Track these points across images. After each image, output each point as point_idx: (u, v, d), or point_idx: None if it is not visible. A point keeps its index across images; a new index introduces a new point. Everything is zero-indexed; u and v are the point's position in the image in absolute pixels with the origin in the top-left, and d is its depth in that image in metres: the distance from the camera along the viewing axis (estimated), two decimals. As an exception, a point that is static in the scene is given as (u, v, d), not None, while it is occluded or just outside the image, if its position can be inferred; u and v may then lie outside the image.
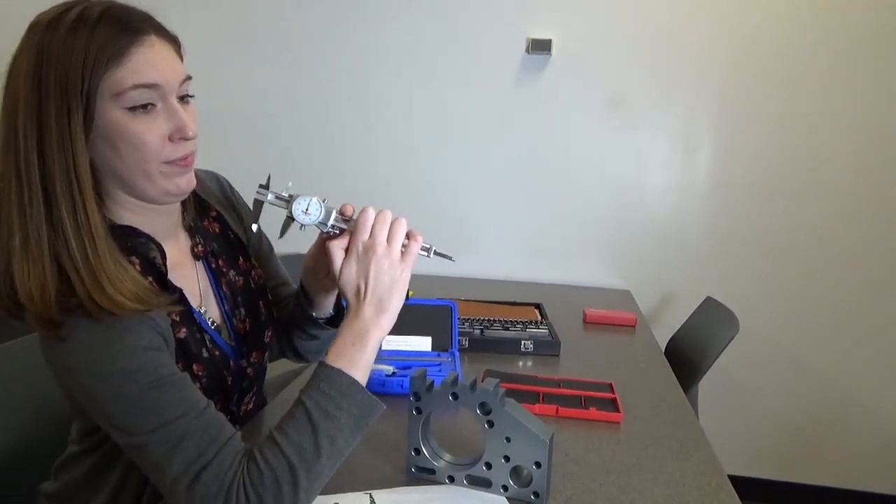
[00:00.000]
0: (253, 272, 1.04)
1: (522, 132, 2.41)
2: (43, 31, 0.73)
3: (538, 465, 0.81)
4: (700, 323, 1.99)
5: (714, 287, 2.26)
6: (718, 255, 2.36)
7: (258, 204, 0.85)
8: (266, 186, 0.85)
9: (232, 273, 0.99)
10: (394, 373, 1.22)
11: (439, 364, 1.31)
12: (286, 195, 0.85)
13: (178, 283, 0.85)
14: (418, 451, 0.83)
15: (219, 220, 1.01)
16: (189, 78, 0.81)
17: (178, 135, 0.78)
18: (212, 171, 1.06)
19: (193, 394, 0.75)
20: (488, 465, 0.82)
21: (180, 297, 0.84)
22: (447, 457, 0.85)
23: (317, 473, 0.73)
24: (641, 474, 0.92)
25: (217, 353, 0.90)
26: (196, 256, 0.94)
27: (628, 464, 0.95)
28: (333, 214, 0.85)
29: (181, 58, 0.82)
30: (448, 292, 2.03)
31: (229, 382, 0.91)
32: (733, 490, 0.88)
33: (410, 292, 1.47)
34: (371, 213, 0.85)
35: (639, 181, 2.38)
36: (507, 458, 0.81)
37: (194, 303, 0.90)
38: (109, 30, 0.73)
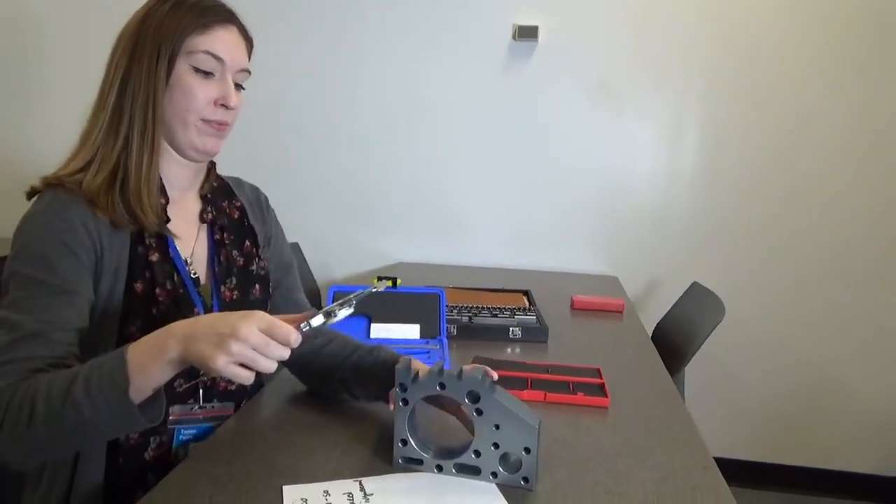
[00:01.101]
0: (258, 261, 1.10)
1: (509, 119, 2.40)
2: (156, 2, 0.94)
3: (528, 450, 0.81)
4: (686, 308, 2.01)
5: (700, 273, 2.27)
6: (705, 242, 2.37)
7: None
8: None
9: (235, 252, 1.07)
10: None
11: (427, 352, 1.31)
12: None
13: (173, 230, 0.98)
14: (405, 443, 0.82)
15: (241, 210, 1.11)
16: (249, 72, 0.99)
17: (222, 101, 0.96)
18: (257, 186, 1.19)
19: (45, 314, 0.83)
20: (477, 453, 0.82)
21: (165, 223, 0.97)
22: (435, 447, 0.85)
23: (28, 437, 0.76)
24: (629, 458, 0.92)
25: (181, 291, 0.96)
26: (202, 220, 1.05)
27: (616, 448, 0.96)
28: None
29: (249, 56, 1.01)
30: (436, 280, 2.02)
31: None
32: (719, 472, 0.89)
33: (398, 280, 1.46)
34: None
35: (626, 168, 2.38)
36: (496, 446, 0.81)
37: (184, 252, 1.00)
38: (204, 11, 0.94)
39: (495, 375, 0.87)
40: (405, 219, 2.49)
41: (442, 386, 0.81)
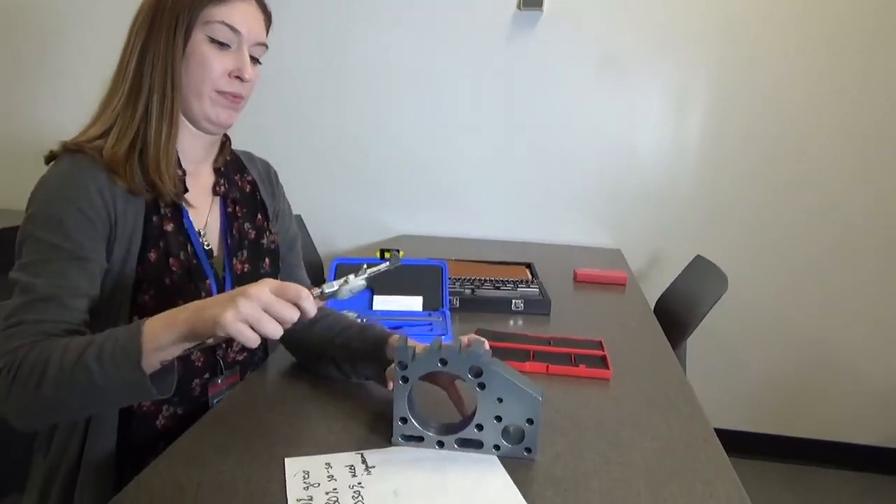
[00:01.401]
0: (268, 234, 1.11)
1: (513, 91, 2.37)
2: None
3: (531, 421, 0.81)
4: (689, 281, 2.01)
5: (704, 246, 2.26)
6: (709, 215, 2.36)
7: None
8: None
9: (247, 225, 1.08)
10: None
11: (430, 324, 1.31)
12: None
13: (188, 201, 0.99)
14: (405, 421, 0.82)
15: (252, 184, 1.12)
16: (266, 46, 1.00)
17: (236, 73, 0.96)
18: (268, 162, 1.20)
19: (58, 279, 0.84)
20: (479, 427, 0.82)
21: (182, 192, 0.98)
22: (435, 423, 0.85)
23: (35, 398, 0.77)
24: (630, 429, 0.93)
25: (195, 261, 0.97)
26: (215, 193, 1.05)
27: (617, 419, 0.96)
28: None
29: (267, 30, 1.01)
30: (439, 252, 2.02)
31: (202, 296, 0.96)
32: (720, 443, 0.90)
33: (401, 252, 1.47)
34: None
35: (631, 140, 2.36)
36: (498, 419, 0.81)
37: (197, 224, 1.01)
38: None
39: (486, 345, 0.87)
40: (408, 191, 2.48)
41: (443, 362, 0.81)
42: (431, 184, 2.46)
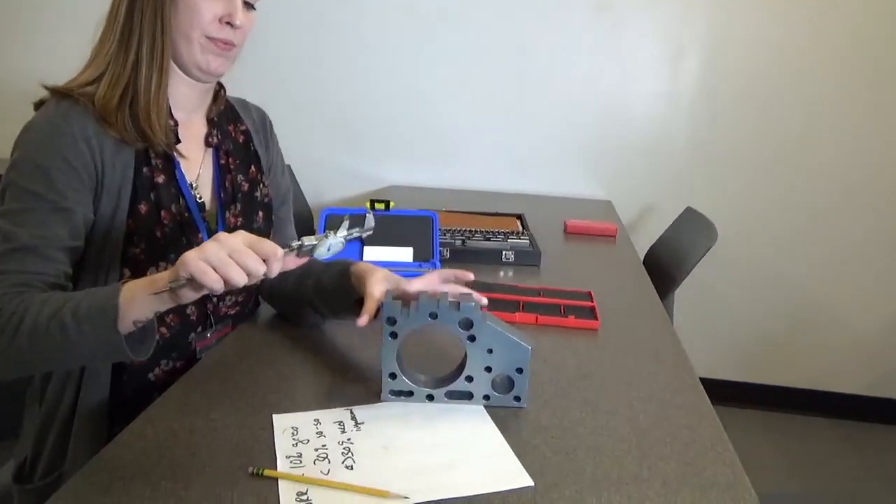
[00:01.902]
0: (262, 187, 1.09)
1: (504, 40, 2.32)
2: None
3: (520, 370, 0.82)
4: (679, 233, 2.01)
5: (695, 198, 2.27)
6: (700, 167, 2.36)
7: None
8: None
9: (240, 177, 1.06)
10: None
11: (420, 275, 1.31)
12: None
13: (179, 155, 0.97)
14: (394, 376, 0.82)
15: (246, 134, 1.10)
16: None
17: (227, 18, 0.93)
18: (263, 110, 1.17)
19: (40, 229, 0.82)
20: (469, 379, 0.83)
21: (174, 142, 0.96)
22: (424, 377, 0.86)
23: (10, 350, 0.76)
24: (617, 378, 0.95)
25: (186, 214, 0.96)
26: (207, 144, 1.03)
27: (605, 368, 0.98)
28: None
29: None
30: (429, 203, 2.01)
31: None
32: (703, 391, 0.92)
33: (391, 203, 1.46)
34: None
35: (624, 90, 2.33)
36: (488, 369, 0.83)
37: (189, 176, 0.99)
38: None
39: (484, 301, 0.87)
40: (398, 142, 2.45)
41: (433, 316, 0.81)
42: (422, 134, 2.44)
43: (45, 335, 0.74)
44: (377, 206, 1.41)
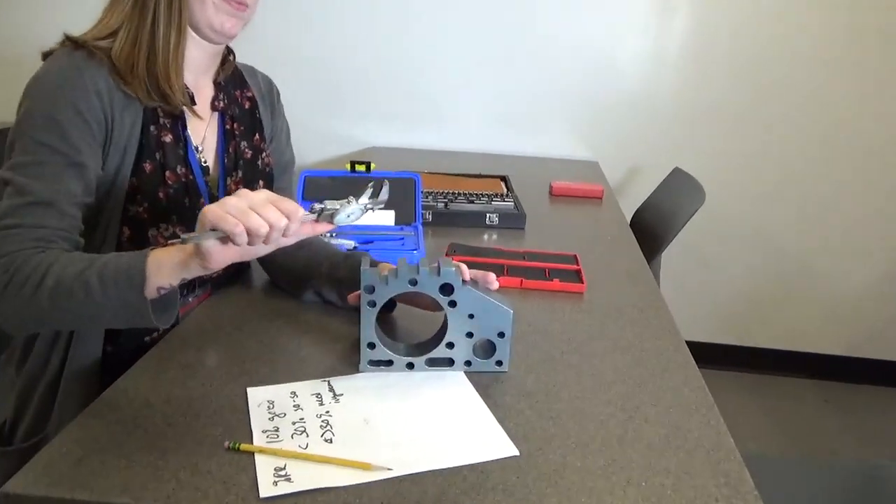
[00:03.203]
0: (265, 155, 1.10)
1: (489, -9, 2.28)
2: None
3: (502, 335, 0.83)
4: (666, 194, 2.02)
5: (683, 159, 2.26)
6: (689, 126, 2.35)
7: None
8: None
9: (244, 144, 1.07)
10: (354, 248, 1.22)
11: (402, 238, 1.31)
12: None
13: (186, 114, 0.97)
14: (373, 346, 0.82)
15: (252, 101, 1.11)
16: None
17: None
18: (270, 78, 1.18)
19: (56, 184, 0.82)
20: (450, 345, 0.83)
21: (190, 101, 0.97)
22: (404, 345, 0.86)
23: (33, 304, 0.76)
24: (602, 341, 0.95)
25: (191, 177, 0.97)
26: (214, 108, 1.04)
27: (590, 332, 0.98)
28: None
29: None
30: (411, 165, 2.00)
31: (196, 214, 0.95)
32: (689, 353, 0.93)
33: (372, 164, 1.44)
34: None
35: (610, 47, 2.31)
36: (469, 335, 0.83)
37: (195, 139, 1.00)
38: None
39: (496, 284, 0.86)
40: (379, 101, 2.42)
41: (413, 282, 0.80)
42: (404, 93, 2.40)
43: (69, 294, 0.75)
44: (358, 167, 1.39)
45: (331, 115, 2.44)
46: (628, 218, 1.90)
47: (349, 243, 1.23)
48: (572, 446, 0.70)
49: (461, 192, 1.66)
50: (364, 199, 0.78)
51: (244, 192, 0.71)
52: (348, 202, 0.77)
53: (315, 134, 2.45)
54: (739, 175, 2.38)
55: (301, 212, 0.72)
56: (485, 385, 0.81)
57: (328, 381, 0.81)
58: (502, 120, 2.41)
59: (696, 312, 2.54)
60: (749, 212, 2.42)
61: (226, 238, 0.70)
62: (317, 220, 0.77)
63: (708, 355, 2.53)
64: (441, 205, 1.55)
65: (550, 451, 0.69)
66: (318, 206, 0.77)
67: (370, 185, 0.80)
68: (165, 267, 0.74)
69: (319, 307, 1.02)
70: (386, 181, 0.82)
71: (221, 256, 0.72)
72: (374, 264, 0.89)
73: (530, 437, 0.71)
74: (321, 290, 1.02)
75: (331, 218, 0.77)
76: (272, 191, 1.10)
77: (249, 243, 0.70)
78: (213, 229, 0.69)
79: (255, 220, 0.69)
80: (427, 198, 1.59)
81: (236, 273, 1.14)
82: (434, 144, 2.44)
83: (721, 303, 2.54)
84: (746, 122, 2.33)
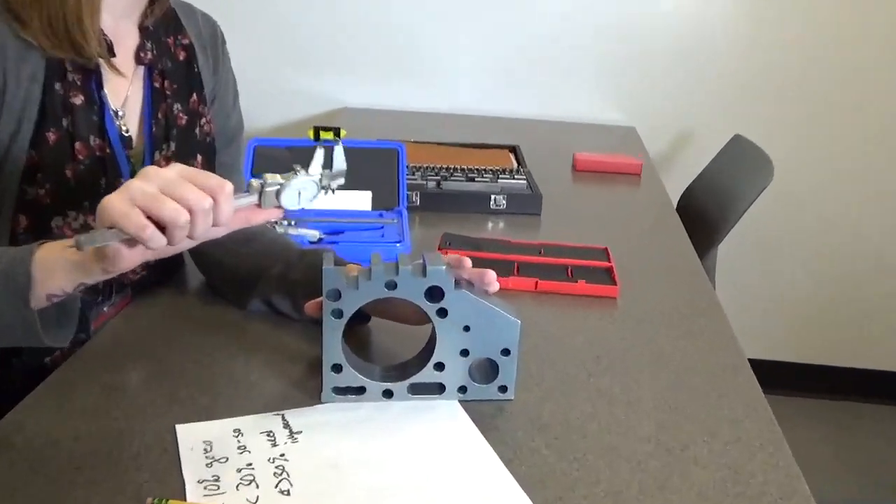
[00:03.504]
0: (204, 122, 1.10)
1: None
2: None
3: (506, 352, 0.82)
4: (724, 169, 2.02)
5: (744, 123, 2.26)
6: (752, 81, 2.35)
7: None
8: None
9: (177, 106, 1.07)
10: (319, 239, 1.22)
11: (382, 227, 1.31)
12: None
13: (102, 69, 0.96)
14: (339, 368, 0.81)
15: (188, 50, 1.10)
16: None
17: None
18: (214, 19, 1.17)
19: None
20: (440, 366, 0.82)
21: (108, 54, 0.96)
22: (380, 367, 0.85)
23: None
24: (641, 360, 0.95)
25: (108, 151, 0.97)
26: (139, 61, 1.03)
27: (624, 347, 0.98)
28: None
29: None
30: (393, 131, 1.99)
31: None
32: (753, 375, 0.93)
33: (342, 131, 1.43)
34: None
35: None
36: (465, 353, 0.82)
37: (114, 102, 0.99)
38: None
39: (468, 263, 0.85)
40: (353, 50, 2.41)
41: (391, 285, 0.79)
42: (384, 40, 2.39)
43: None
44: (323, 135, 1.39)
45: (290, 67, 2.44)
46: (675, 200, 1.90)
47: (312, 234, 1.22)
48: (601, 495, 0.70)
49: (458, 167, 1.66)
50: (315, 169, 0.78)
51: (150, 170, 0.69)
52: (295, 173, 0.77)
53: (270, 92, 2.44)
54: (816, 149, 2.38)
55: (229, 187, 0.71)
56: (486, 418, 0.81)
57: (282, 415, 0.80)
58: (510, 73, 2.41)
59: (759, 322, 2.55)
60: (826, 196, 2.42)
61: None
62: (260, 203, 0.76)
63: (774, 376, 2.51)
64: (432, 184, 1.55)
65: (573, 500, 0.69)
66: (255, 182, 0.76)
67: (316, 150, 0.79)
68: (57, 269, 0.73)
69: (271, 318, 1.02)
70: (339, 143, 0.81)
71: (130, 259, 0.71)
72: (339, 263, 0.89)
73: (547, 485, 0.71)
74: (271, 298, 1.02)
75: (276, 198, 0.77)
76: (214, 168, 1.11)
77: (168, 241, 0.69)
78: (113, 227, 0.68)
79: (170, 208, 0.67)
80: (414, 174, 1.59)
81: (164, 272, 1.13)
82: (423, 105, 2.44)
83: (790, 310, 2.54)
84: (830, 81, 2.33)
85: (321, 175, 0.78)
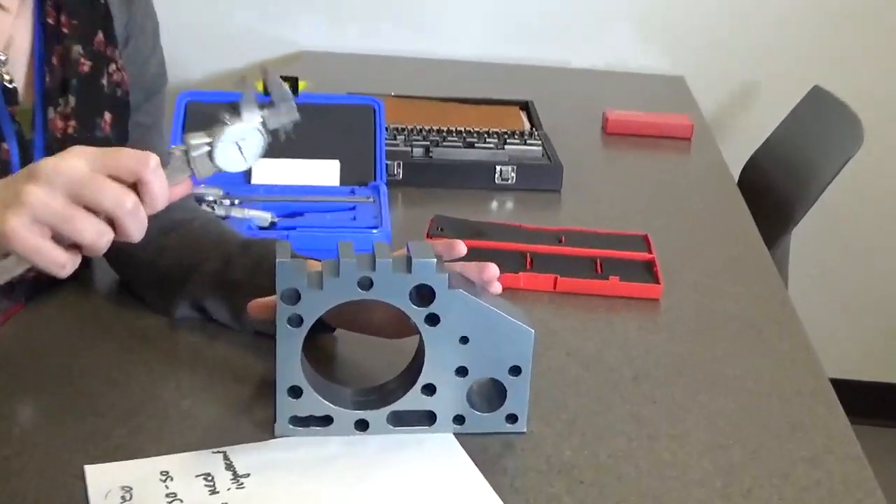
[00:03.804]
0: (114, 69, 1.09)
1: None
2: None
3: (517, 371, 0.82)
4: (800, 132, 2.02)
5: (824, 72, 2.26)
6: (834, 20, 2.35)
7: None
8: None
9: (77, 49, 1.06)
10: (272, 224, 1.21)
11: (354, 207, 1.31)
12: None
13: None
14: (298, 392, 0.81)
15: None
16: None
17: None
18: None
19: None
20: (429, 390, 0.82)
21: None
22: (352, 391, 0.85)
23: None
24: (691, 380, 0.95)
25: None
26: None
27: (670, 365, 0.98)
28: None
29: None
30: (369, 83, 1.98)
31: None
32: (836, 400, 0.93)
33: (301, 82, 1.43)
34: None
35: None
36: (462, 372, 0.82)
37: None
38: None
39: (463, 249, 0.85)
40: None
41: (366, 285, 0.79)
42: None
43: None
44: (286, 85, 1.39)
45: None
46: (736, 172, 1.90)
47: (262, 217, 1.22)
48: (640, 557, 0.70)
49: (453, 128, 1.66)
50: (252, 114, 0.77)
51: (50, 167, 0.69)
52: (224, 124, 0.76)
53: (204, 33, 2.45)
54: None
55: (154, 160, 0.71)
56: (491, 456, 0.81)
57: (224, 453, 0.80)
58: (522, 11, 2.41)
59: (844, 332, 2.55)
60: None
61: None
62: (194, 175, 0.76)
63: (863, 402, 2.53)
64: (419, 151, 1.55)
65: (603, 565, 0.69)
66: (177, 149, 0.75)
67: (244, 88, 0.78)
68: None
69: (207, 326, 1.02)
70: (276, 77, 0.80)
71: (20, 267, 0.71)
72: (298, 256, 0.88)
73: (570, 543, 0.71)
74: (203, 302, 1.02)
75: (212, 161, 0.76)
76: (127, 128, 1.11)
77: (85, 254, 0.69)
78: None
79: (89, 231, 0.68)
80: (395, 139, 1.58)
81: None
82: (407, 49, 2.45)
83: (884, 317, 2.55)
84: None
85: (262, 117, 0.77)
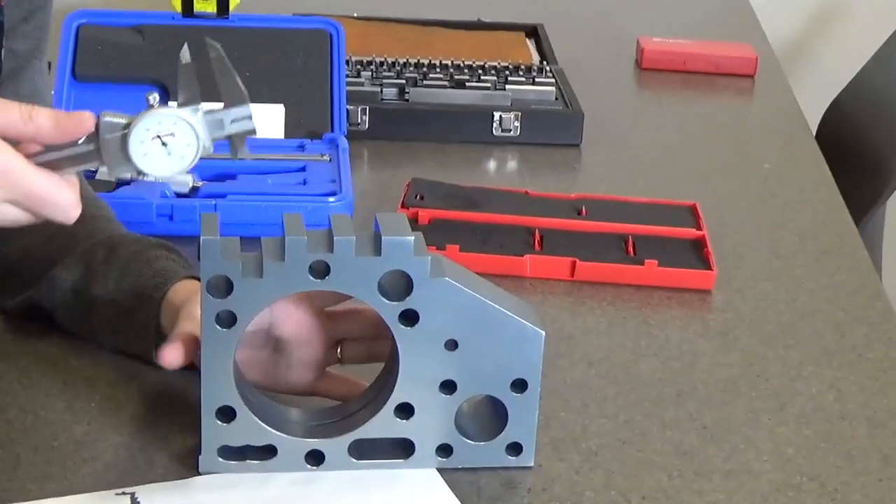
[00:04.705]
0: None
1: None
2: None
3: (521, 386, 0.82)
4: (892, 74, 2.02)
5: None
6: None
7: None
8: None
9: None
10: (194, 189, 1.22)
11: (303, 167, 1.31)
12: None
13: None
14: (230, 416, 0.82)
15: None
16: None
17: None
18: None
19: None
20: (405, 410, 0.83)
21: None
22: (304, 414, 0.86)
23: None
24: (752, 397, 0.96)
25: None
26: None
27: (725, 378, 0.99)
28: None
29: None
30: (326, 3, 1.98)
31: None
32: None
33: (234, 1, 1.43)
34: None
35: None
36: (449, 387, 0.83)
37: None
38: None
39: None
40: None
41: (320, 271, 0.79)
42: None
43: None
44: (199, 5, 1.38)
45: None
46: (814, 121, 1.91)
47: (182, 180, 1.22)
48: None
49: (436, 62, 1.67)
50: (189, 101, 0.76)
51: None
52: (149, 107, 0.76)
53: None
54: None
55: (44, 117, 0.72)
56: (487, 499, 0.82)
57: (131, 496, 0.81)
58: None
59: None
60: None
61: None
62: (103, 163, 0.77)
63: None
64: (391, 92, 1.56)
65: None
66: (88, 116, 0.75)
67: (186, 69, 0.77)
68: None
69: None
70: (225, 62, 0.80)
71: None
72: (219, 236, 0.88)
73: None
74: (54, 313, 1.04)
75: (124, 151, 0.75)
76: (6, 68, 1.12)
77: None
78: None
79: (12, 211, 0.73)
80: (359, 76, 1.59)
81: None
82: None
83: None
84: None
85: (201, 110, 0.77)
